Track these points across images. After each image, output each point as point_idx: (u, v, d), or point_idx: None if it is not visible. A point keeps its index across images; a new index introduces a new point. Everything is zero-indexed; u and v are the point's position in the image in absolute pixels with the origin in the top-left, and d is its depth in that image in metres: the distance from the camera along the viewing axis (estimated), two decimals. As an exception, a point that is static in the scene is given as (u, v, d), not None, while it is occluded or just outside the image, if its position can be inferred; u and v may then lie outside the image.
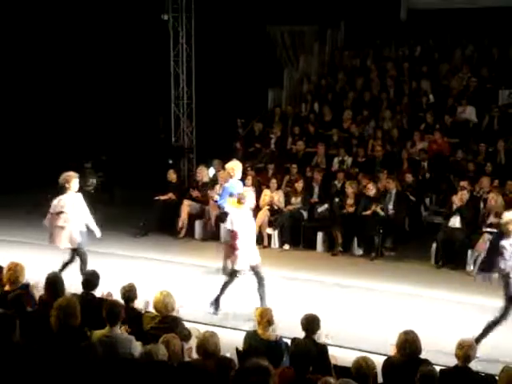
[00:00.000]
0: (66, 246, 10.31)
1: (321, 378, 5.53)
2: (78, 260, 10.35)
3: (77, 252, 10.33)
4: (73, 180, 10.32)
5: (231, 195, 11.39)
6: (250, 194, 10.13)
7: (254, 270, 9.72)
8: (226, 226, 10.07)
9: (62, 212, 10.21)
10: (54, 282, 7.48)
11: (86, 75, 19.65)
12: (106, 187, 18.70)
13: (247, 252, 9.60)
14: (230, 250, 9.71)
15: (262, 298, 9.66)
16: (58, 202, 10.27)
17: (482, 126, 15.67)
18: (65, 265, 10.30)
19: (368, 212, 13.10)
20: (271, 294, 9.81)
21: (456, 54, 17.83)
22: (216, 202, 13.01)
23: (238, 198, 9.96)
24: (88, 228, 10.52)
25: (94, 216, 10.67)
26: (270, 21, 20.00)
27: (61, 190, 10.37)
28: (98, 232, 10.65)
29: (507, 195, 12.95)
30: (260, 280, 9.71)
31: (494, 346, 8.31)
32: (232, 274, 9.81)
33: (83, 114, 19.96)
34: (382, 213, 13.08)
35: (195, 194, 14.66)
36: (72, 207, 10.27)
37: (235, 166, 11.61)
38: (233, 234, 9.64)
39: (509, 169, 14.19)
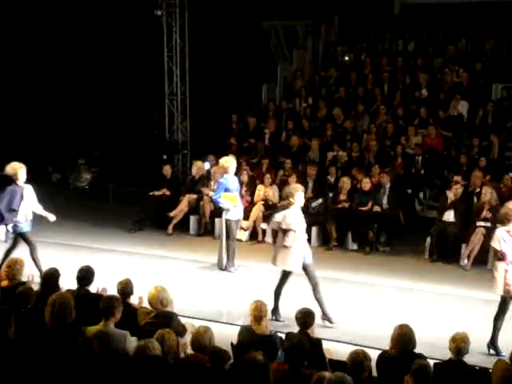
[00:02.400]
0: (290, 268, 9.17)
1: (315, 373, 5.55)
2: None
3: (306, 273, 9.21)
4: (297, 193, 9.14)
5: (226, 190, 11.42)
6: None
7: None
8: (494, 246, 8.33)
9: (289, 230, 9.00)
10: (50, 278, 7.52)
11: (80, 71, 19.62)
12: (100, 183, 18.71)
13: None
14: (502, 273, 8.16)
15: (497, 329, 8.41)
16: (282, 219, 9.04)
17: (476, 121, 15.70)
18: (279, 288, 9.29)
19: (365, 208, 13.11)
20: (265, 288, 9.82)
21: (449, 49, 17.85)
22: (211, 197, 13.00)
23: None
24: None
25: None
26: (263, 16, 20.00)
27: (283, 204, 9.34)
28: (309, 257, 9.30)
29: (501, 189, 13.02)
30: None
31: (487, 339, 8.36)
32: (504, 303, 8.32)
33: (77, 110, 19.94)
34: (379, 210, 13.11)
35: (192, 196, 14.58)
36: (299, 224, 9.11)
37: (230, 162, 11.60)
38: (501, 255, 8.21)
39: (502, 163, 14.24)
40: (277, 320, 9.14)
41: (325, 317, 9.08)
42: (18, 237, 10.44)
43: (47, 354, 5.71)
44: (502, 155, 14.55)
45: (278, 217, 9.15)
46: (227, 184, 11.44)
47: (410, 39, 18.85)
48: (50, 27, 18.92)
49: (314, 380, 5.39)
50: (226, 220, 11.55)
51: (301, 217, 9.18)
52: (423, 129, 15.53)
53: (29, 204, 10.41)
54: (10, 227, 10.31)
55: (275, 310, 9.28)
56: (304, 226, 9.24)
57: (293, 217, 9.04)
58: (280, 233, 9.10)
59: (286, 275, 9.29)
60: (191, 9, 17.39)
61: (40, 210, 10.63)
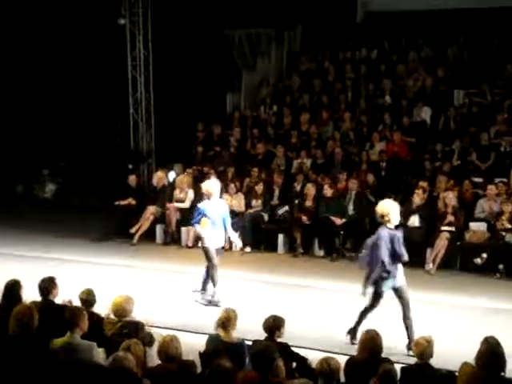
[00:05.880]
0: None
1: (285, 381, 5.55)
2: None
3: None
4: None
5: (204, 216, 10.39)
6: None
7: None
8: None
9: None
10: (11, 289, 7.43)
11: (42, 80, 19.44)
12: (64, 193, 18.57)
13: None
14: None
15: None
16: None
17: (439, 127, 15.87)
18: None
19: (336, 220, 13.13)
20: (232, 296, 9.81)
21: (411, 55, 18.03)
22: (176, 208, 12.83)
23: None
24: None
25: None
26: (227, 24, 20.03)
27: None
28: None
29: (465, 194, 13.17)
30: None
31: (455, 341, 8.43)
32: None
33: (40, 120, 19.75)
34: (342, 220, 13.17)
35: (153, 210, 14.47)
36: None
37: (211, 186, 10.59)
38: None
39: (464, 168, 14.40)
40: None
41: None
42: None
43: (12, 367, 5.64)
44: (465, 160, 14.70)
45: None
46: (204, 210, 10.40)
47: (372, 47, 19.00)
48: (9, 36, 18.73)
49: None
50: (202, 247, 10.60)
51: None
52: (387, 135, 15.67)
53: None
54: (388, 284, 8.68)
55: None
56: None
57: None
58: None
59: None
60: (154, 18, 17.36)
61: None
